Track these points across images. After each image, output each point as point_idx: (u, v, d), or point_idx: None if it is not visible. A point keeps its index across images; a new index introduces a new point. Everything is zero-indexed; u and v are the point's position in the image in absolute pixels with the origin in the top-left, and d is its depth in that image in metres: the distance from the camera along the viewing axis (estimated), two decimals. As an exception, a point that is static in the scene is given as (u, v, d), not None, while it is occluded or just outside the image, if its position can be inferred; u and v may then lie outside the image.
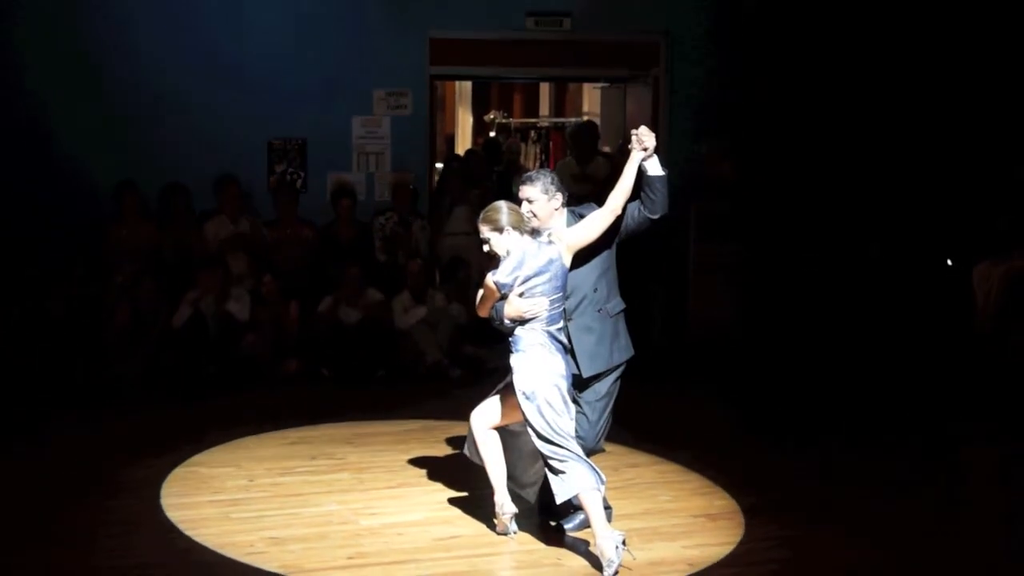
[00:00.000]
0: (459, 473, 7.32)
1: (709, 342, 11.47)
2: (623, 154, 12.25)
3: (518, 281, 6.06)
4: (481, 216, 6.23)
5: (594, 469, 5.93)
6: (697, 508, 6.96)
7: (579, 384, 6.33)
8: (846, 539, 6.50)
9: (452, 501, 6.95)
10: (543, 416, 5.96)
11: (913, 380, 10.35)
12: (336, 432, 8.56)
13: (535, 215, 6.28)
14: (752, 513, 6.86)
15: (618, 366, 6.42)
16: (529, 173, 6.49)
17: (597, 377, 6.36)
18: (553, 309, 6.09)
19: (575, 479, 5.90)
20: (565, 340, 6.17)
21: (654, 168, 6.27)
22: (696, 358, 11.26)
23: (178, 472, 7.40)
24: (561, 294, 6.13)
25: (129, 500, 6.87)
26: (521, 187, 6.38)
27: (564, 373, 6.07)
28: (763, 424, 9.17)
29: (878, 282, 11.56)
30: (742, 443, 8.47)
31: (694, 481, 7.50)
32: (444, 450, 8.00)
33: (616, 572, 5.76)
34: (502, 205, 6.20)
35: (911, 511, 7.05)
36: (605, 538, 5.79)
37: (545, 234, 6.21)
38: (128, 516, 6.63)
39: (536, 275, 6.06)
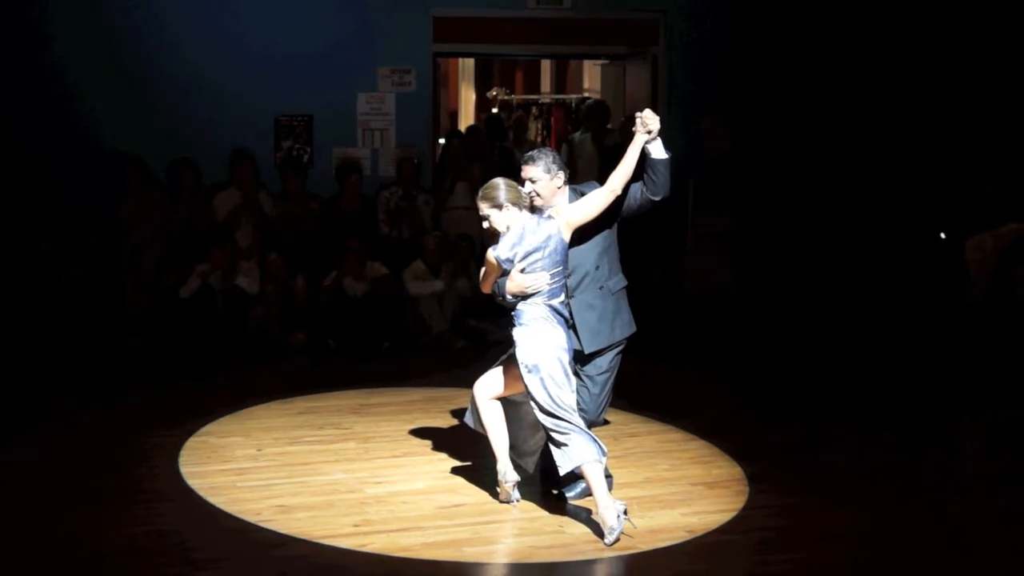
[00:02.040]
0: (462, 442, 7.30)
1: (707, 311, 11.44)
2: (624, 130, 12.27)
3: (518, 256, 6.01)
4: (480, 193, 6.18)
5: (596, 441, 5.90)
6: (696, 476, 6.94)
7: (581, 359, 6.29)
8: (842, 507, 6.47)
9: (455, 470, 6.93)
10: (545, 389, 5.92)
11: (906, 350, 10.32)
12: (342, 402, 8.54)
13: (538, 194, 6.21)
14: (750, 481, 6.84)
15: (620, 342, 6.38)
16: (530, 152, 6.38)
17: (599, 352, 6.32)
18: (554, 283, 6.04)
19: (577, 451, 5.87)
20: (567, 314, 6.13)
21: (657, 151, 6.20)
22: (694, 327, 11.22)
23: (189, 442, 7.38)
24: (561, 268, 6.08)
25: (149, 470, 6.86)
26: (523, 167, 6.29)
27: (566, 346, 6.03)
28: (760, 394, 9.16)
29: (871, 254, 11.52)
30: (740, 413, 8.44)
31: (693, 450, 7.48)
32: (448, 420, 7.97)
33: (617, 540, 5.75)
34: (500, 182, 6.14)
35: (906, 479, 7.03)
36: (607, 507, 5.77)
37: (545, 210, 6.16)
38: (152, 485, 6.62)
39: (536, 250, 6.01)
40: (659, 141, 6.20)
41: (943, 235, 11.40)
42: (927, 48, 11.79)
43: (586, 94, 15.49)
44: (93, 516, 6.10)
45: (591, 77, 15.95)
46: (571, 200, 6.26)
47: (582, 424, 5.97)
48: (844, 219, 11.77)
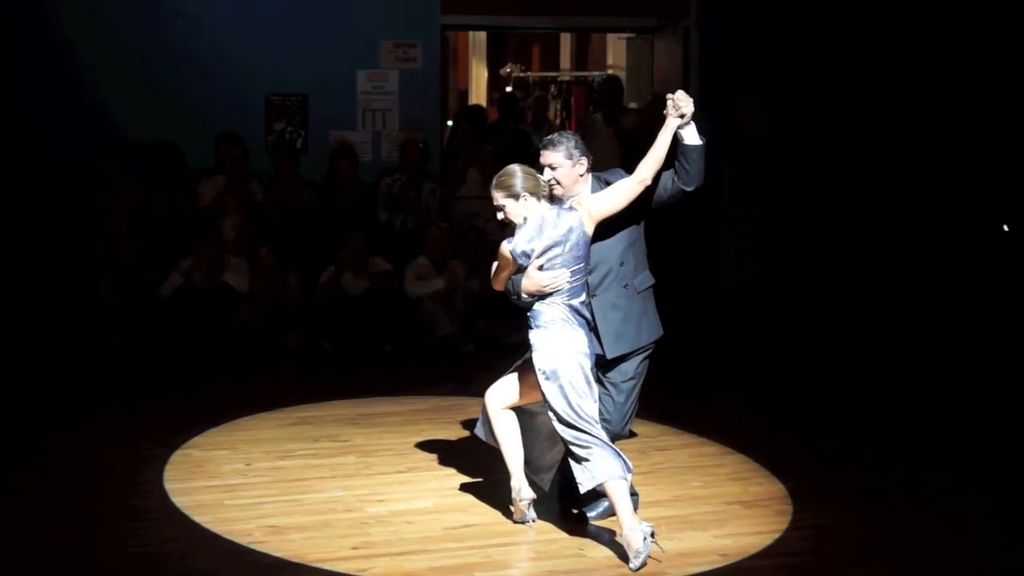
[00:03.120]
0: (472, 457, 7.33)
1: (740, 312, 11.44)
2: (649, 111, 12.28)
3: (536, 252, 6.03)
4: (494, 182, 6.19)
5: (620, 455, 5.91)
6: (731, 495, 6.95)
7: (605, 364, 6.31)
8: (889, 529, 6.48)
9: (465, 487, 6.95)
10: (565, 398, 5.94)
11: (964, 354, 10.29)
12: (340, 412, 8.58)
13: (558, 183, 6.22)
14: (791, 500, 6.86)
15: (647, 346, 6.40)
16: (550, 136, 6.38)
17: (624, 357, 6.34)
18: (574, 281, 6.06)
19: (599, 467, 5.88)
20: (588, 315, 6.15)
21: (691, 137, 6.21)
22: (726, 330, 11.21)
23: (173, 457, 7.40)
24: (582, 265, 6.09)
25: (129, 487, 6.89)
26: (542, 152, 6.29)
27: (587, 351, 6.04)
28: (800, 403, 9.16)
29: (924, 248, 11.46)
30: (779, 425, 8.45)
31: (728, 465, 7.50)
32: (457, 432, 8.01)
33: (643, 564, 5.76)
34: (516, 169, 6.15)
35: (956, 503, 7.03)
36: (632, 529, 5.78)
37: (566, 201, 6.18)
38: (133, 503, 6.65)
39: (555, 244, 6.02)
40: (692, 125, 6.20)
41: (1006, 227, 11.37)
42: (994, 20, 11.70)
43: (610, 71, 15.50)
44: (77, 535, 6.14)
45: (615, 52, 15.95)
46: (594, 190, 6.28)
47: (605, 437, 5.98)
48: (895, 209, 11.74)
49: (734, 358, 10.46)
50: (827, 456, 7.69)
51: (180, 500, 6.66)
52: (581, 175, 6.27)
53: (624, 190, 6.14)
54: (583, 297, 6.12)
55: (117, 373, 9.42)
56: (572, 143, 6.27)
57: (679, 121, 6.15)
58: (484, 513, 6.55)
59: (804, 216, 11.73)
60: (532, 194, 6.08)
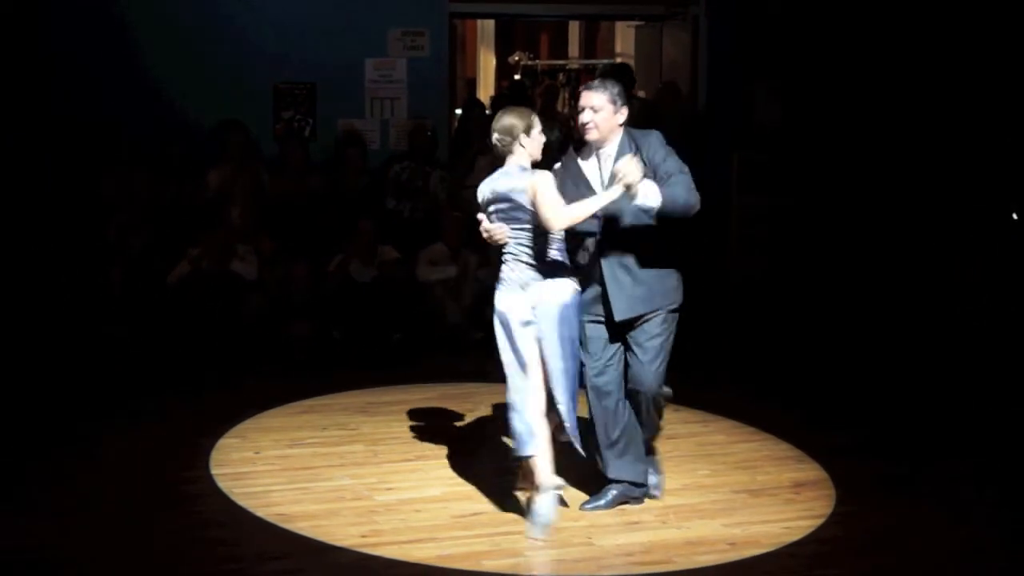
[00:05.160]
0: (481, 445, 7.37)
1: (751, 302, 11.43)
2: (658, 99, 12.29)
3: (483, 198, 6.20)
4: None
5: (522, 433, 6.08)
6: (739, 483, 6.97)
7: (626, 326, 6.26)
8: (901, 517, 6.51)
9: (473, 475, 6.96)
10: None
11: (973, 343, 10.28)
12: (349, 400, 8.61)
13: (597, 126, 6.16)
14: (799, 489, 6.89)
15: (667, 307, 6.30)
16: (596, 80, 6.36)
17: (644, 318, 6.26)
18: (518, 242, 6.12)
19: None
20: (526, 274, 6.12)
21: (647, 199, 5.99)
22: (736, 320, 11.21)
23: (180, 446, 7.43)
24: (525, 228, 6.08)
25: (133, 476, 6.92)
26: (584, 93, 6.23)
27: (510, 313, 6.15)
28: (808, 392, 9.17)
29: (933, 237, 11.41)
30: (789, 414, 8.45)
31: (737, 454, 7.53)
32: (465, 420, 8.05)
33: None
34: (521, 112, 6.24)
35: (966, 492, 7.05)
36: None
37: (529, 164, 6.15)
38: (140, 492, 6.67)
39: (500, 199, 6.14)
40: (647, 185, 5.99)
41: (1016, 215, 11.33)
42: (1003, 10, 11.67)
43: (618, 59, 15.48)
44: (78, 525, 6.17)
45: (624, 40, 15.93)
46: (626, 146, 6.19)
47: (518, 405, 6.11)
48: (904, 200, 11.69)
49: (743, 350, 10.46)
50: (838, 446, 7.66)
51: (188, 488, 6.70)
52: (620, 124, 6.21)
53: (547, 210, 5.96)
54: (527, 259, 6.10)
55: (120, 363, 9.43)
56: (617, 90, 6.20)
57: (620, 190, 5.95)
58: (492, 501, 6.57)
59: (815, 207, 11.69)
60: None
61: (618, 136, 6.23)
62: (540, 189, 5.98)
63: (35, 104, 10.96)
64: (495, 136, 6.15)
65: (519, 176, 6.07)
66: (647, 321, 6.26)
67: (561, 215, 5.95)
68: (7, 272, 10.19)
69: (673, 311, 6.32)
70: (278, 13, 11.42)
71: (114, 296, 10.27)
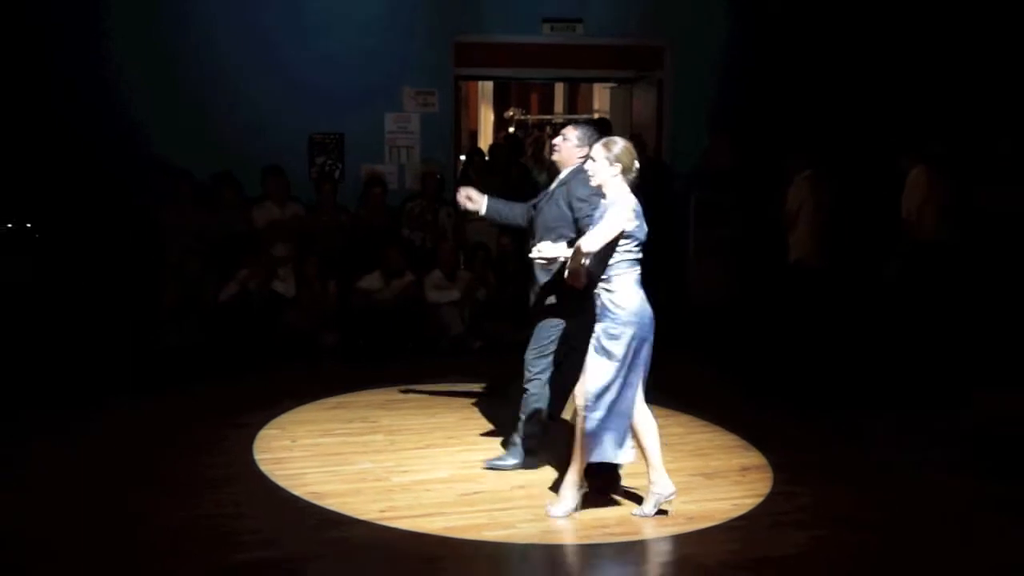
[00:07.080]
0: (481, 435, 7.38)
1: (710, 323, 11.35)
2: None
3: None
4: (603, 141, 5.83)
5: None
6: (694, 468, 6.98)
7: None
8: (829, 495, 6.51)
9: (475, 460, 6.97)
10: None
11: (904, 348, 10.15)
12: (371, 398, 8.60)
13: (560, 149, 6.45)
14: (747, 472, 6.90)
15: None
16: (581, 123, 6.67)
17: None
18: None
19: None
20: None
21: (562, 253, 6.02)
22: (697, 337, 11.15)
23: (231, 434, 7.44)
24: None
25: (197, 458, 6.94)
26: (567, 128, 6.49)
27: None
28: (759, 391, 9.15)
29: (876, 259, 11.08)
30: (738, 408, 8.43)
31: (691, 443, 7.52)
32: (467, 414, 8.04)
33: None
34: (622, 142, 5.81)
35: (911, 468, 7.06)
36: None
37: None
38: (201, 471, 6.69)
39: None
40: (559, 247, 6.01)
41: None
42: (917, 52, 11.56)
43: (596, 114, 15.51)
44: (149, 499, 6.19)
45: (601, 99, 15.97)
46: (569, 180, 6.36)
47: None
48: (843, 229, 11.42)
49: (701, 360, 10.29)
50: (778, 437, 7.65)
51: (236, 470, 6.73)
52: (580, 158, 6.33)
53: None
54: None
55: (176, 367, 9.43)
56: (591, 135, 6.35)
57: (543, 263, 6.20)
58: (491, 482, 6.59)
59: (760, 237, 11.63)
60: (625, 172, 5.77)
61: (572, 168, 6.40)
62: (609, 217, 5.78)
63: (118, 149, 10.99)
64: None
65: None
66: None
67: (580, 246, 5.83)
68: (83, 291, 10.20)
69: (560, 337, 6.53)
70: (316, 74, 11.46)
71: (172, 311, 10.27)
